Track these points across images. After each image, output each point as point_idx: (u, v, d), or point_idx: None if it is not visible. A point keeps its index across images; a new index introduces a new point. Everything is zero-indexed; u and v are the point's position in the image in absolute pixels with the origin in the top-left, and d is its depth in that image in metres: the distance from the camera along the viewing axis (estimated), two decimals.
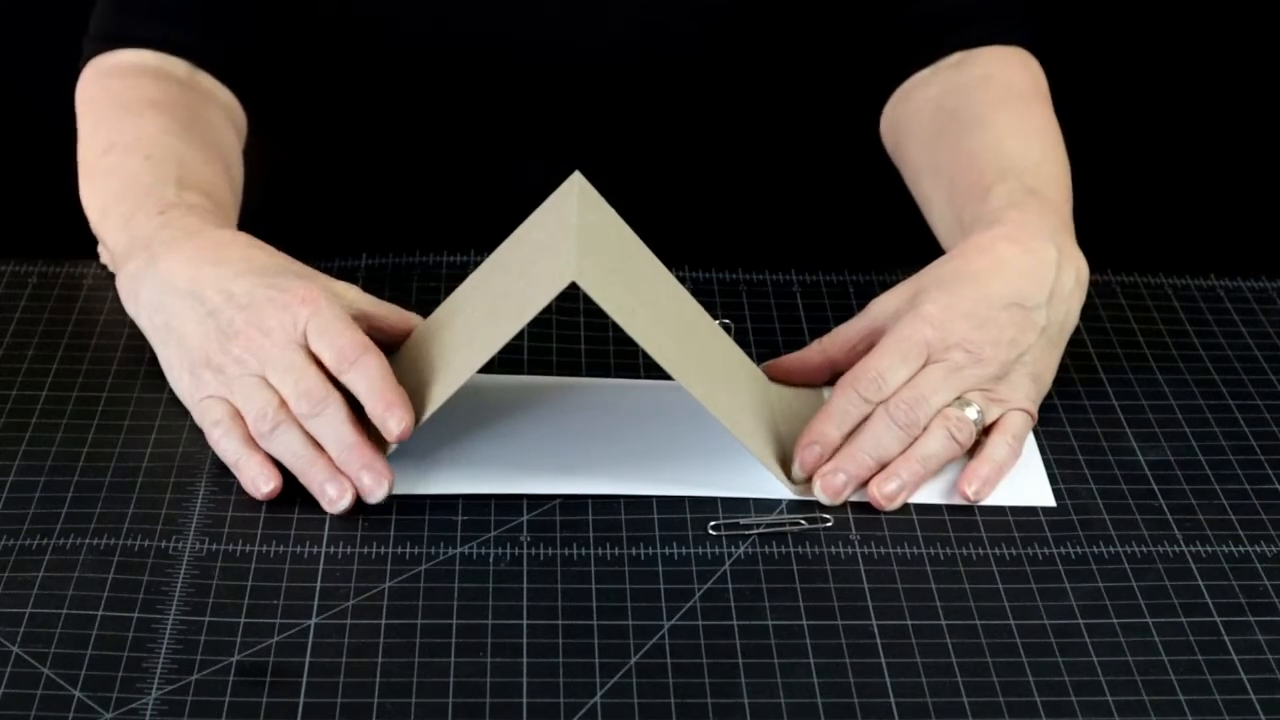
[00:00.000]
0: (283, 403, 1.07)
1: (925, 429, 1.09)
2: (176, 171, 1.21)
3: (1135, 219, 1.82)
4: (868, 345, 1.13)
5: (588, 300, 1.01)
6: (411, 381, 1.11)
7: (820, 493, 1.07)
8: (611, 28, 1.35)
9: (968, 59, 1.33)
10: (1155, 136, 1.81)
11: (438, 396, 1.06)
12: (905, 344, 1.10)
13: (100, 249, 1.27)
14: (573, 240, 1.04)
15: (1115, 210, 1.83)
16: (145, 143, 1.23)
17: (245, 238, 1.16)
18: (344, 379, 1.07)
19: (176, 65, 1.30)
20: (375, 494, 1.05)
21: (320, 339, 1.08)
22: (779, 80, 1.42)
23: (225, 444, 1.08)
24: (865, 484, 1.07)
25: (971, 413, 1.09)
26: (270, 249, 1.14)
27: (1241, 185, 1.83)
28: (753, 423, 1.09)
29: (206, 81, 1.31)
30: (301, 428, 1.07)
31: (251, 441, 1.08)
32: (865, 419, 1.09)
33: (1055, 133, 1.28)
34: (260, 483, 1.06)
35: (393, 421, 1.05)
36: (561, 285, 1.01)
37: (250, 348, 1.08)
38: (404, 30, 1.35)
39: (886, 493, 1.06)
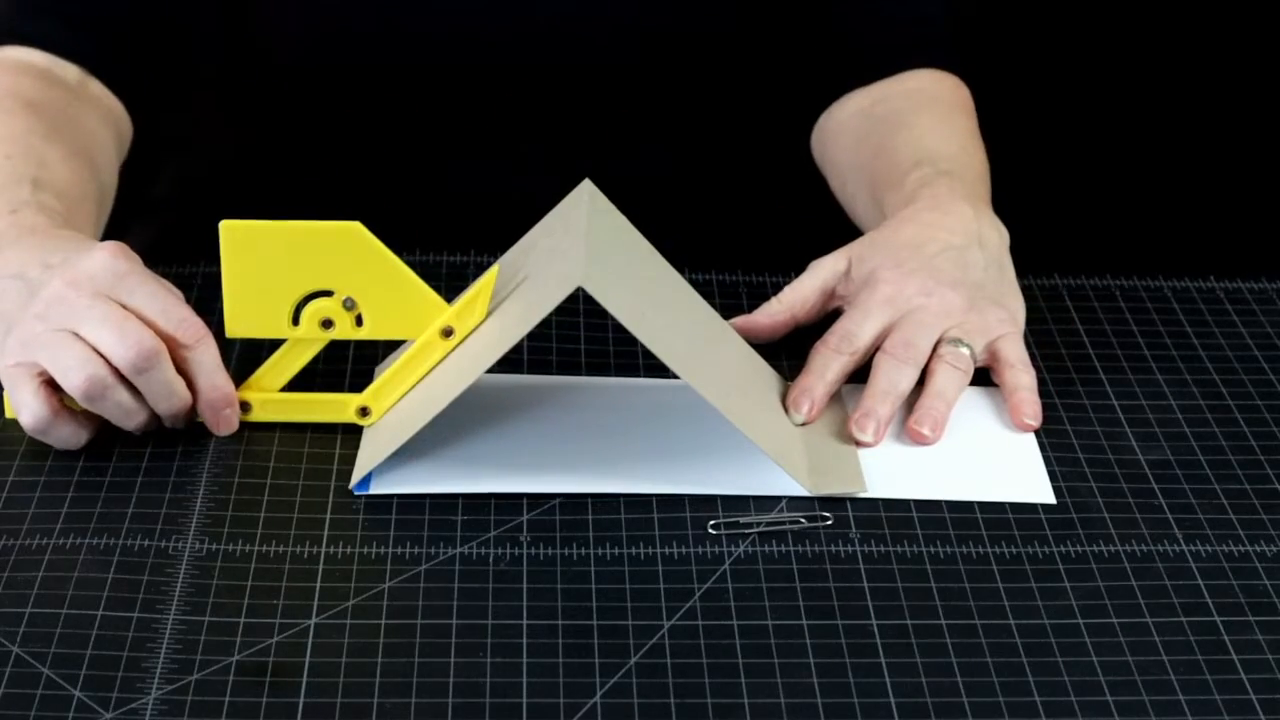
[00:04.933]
0: (103, 359, 1.06)
1: (929, 371, 1.14)
2: (34, 172, 1.19)
3: (1135, 221, 1.83)
4: (820, 301, 1.21)
5: (588, 300, 1.02)
6: (421, 384, 1.11)
7: (859, 433, 1.12)
8: (605, 28, 1.35)
9: (899, 78, 1.39)
10: (1154, 137, 1.81)
11: (444, 397, 1.06)
12: (868, 304, 1.16)
13: None
14: (581, 245, 1.05)
15: (1115, 211, 1.84)
16: (7, 141, 1.22)
17: (88, 239, 1.14)
18: (184, 353, 1.07)
19: (66, 68, 1.31)
20: (233, 426, 1.11)
21: (150, 302, 1.06)
22: (777, 83, 1.42)
23: (31, 411, 1.06)
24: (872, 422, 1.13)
25: (962, 348, 1.15)
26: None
27: (1241, 185, 1.83)
28: (767, 423, 1.10)
29: (95, 88, 1.32)
30: (128, 384, 1.07)
31: (59, 406, 1.07)
32: (851, 370, 1.15)
33: (976, 138, 1.35)
34: (76, 441, 1.08)
35: (225, 425, 1.10)
36: (569, 289, 1.01)
37: (56, 301, 1.06)
38: (400, 30, 1.36)
39: (924, 431, 1.12)
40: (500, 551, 1.03)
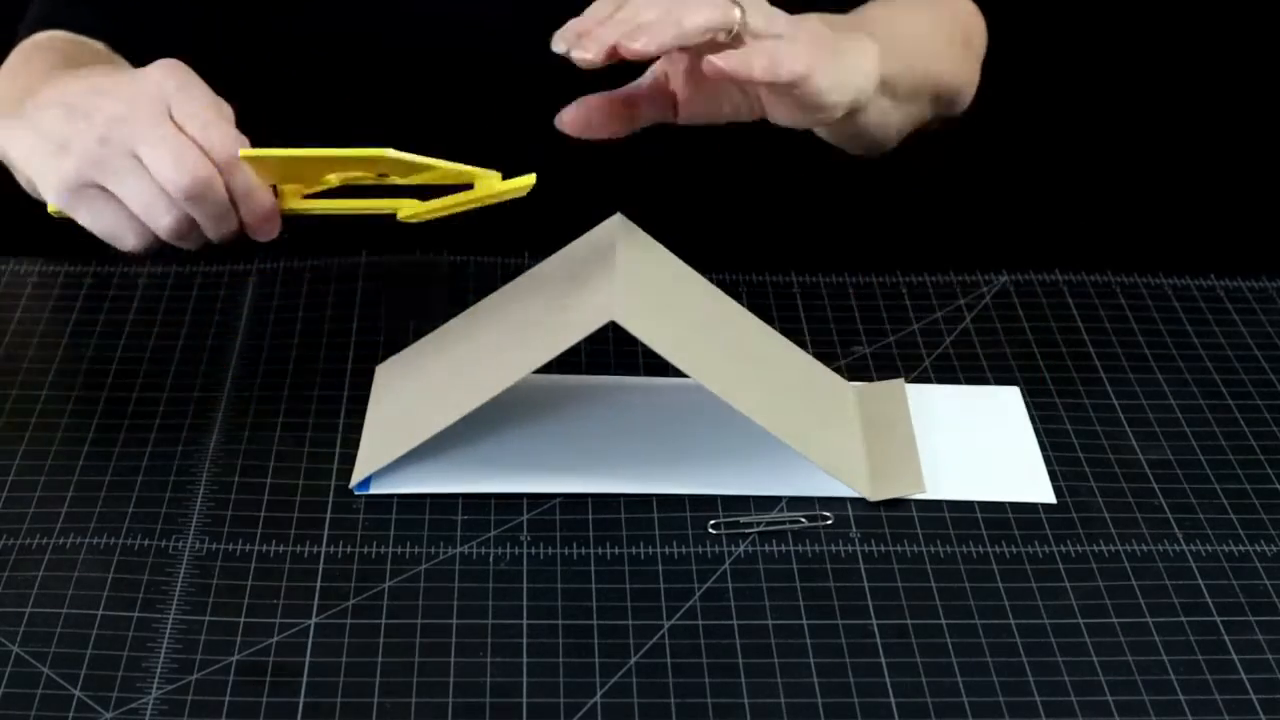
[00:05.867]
0: (162, 190, 1.06)
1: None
2: (72, 65, 1.21)
3: (1135, 219, 1.82)
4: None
5: None
6: (429, 390, 1.11)
7: (578, 52, 1.07)
8: None
9: None
10: (1155, 136, 1.81)
11: (454, 413, 1.06)
12: None
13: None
14: (613, 276, 1.05)
15: (1115, 210, 1.84)
16: (41, 70, 1.23)
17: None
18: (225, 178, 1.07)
19: (96, 45, 1.31)
20: (272, 235, 1.10)
21: (189, 119, 1.07)
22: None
23: (129, 239, 1.09)
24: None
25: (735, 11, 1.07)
26: None
27: (1241, 185, 1.83)
28: (823, 436, 1.09)
29: (124, 65, 1.32)
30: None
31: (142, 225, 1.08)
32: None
33: (937, 37, 1.30)
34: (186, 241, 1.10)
35: (264, 235, 1.09)
36: (600, 322, 1.02)
37: (118, 121, 1.07)
38: (400, 27, 1.36)
39: (630, 44, 1.05)
40: (500, 551, 1.03)
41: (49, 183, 1.10)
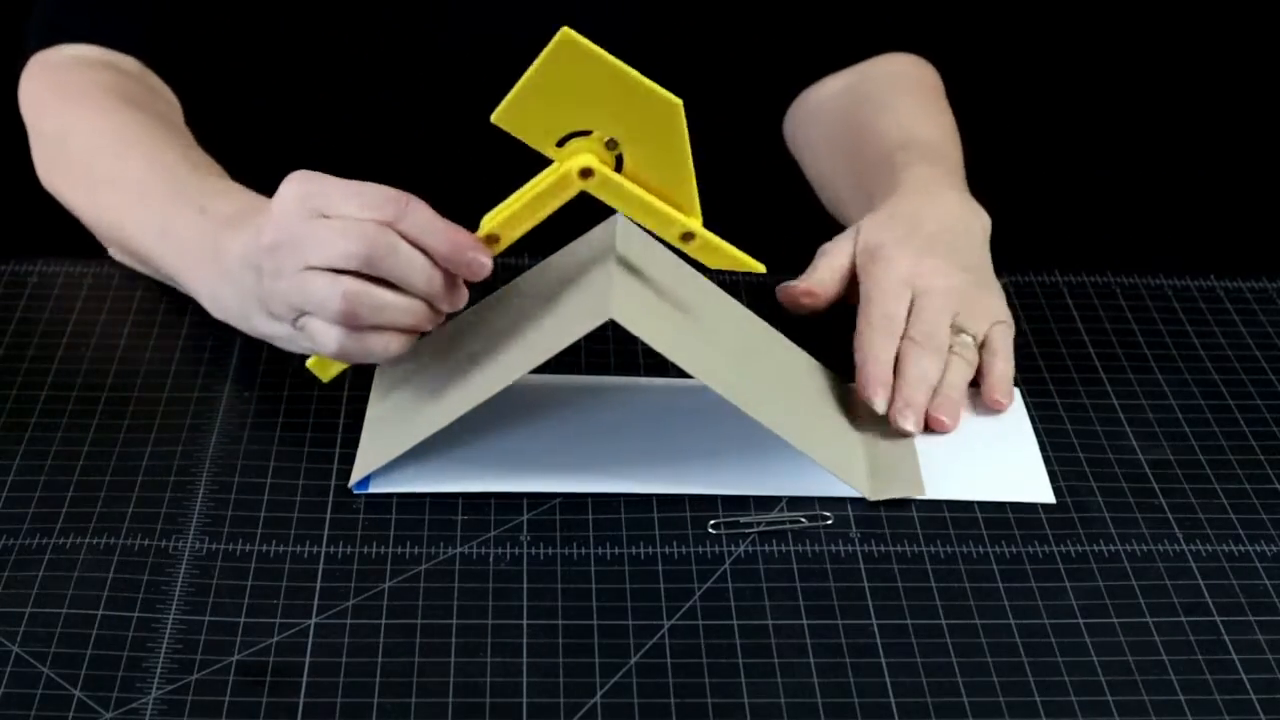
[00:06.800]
0: (345, 273, 1.04)
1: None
2: (192, 156, 1.20)
3: (1135, 219, 1.83)
4: (845, 281, 1.21)
5: None
6: (428, 390, 1.11)
7: (902, 423, 1.12)
8: (601, 22, 1.36)
9: (878, 60, 1.40)
10: (1154, 136, 1.81)
11: (452, 411, 1.06)
12: (887, 283, 1.16)
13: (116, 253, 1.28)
14: (610, 277, 1.05)
15: (1115, 210, 1.84)
16: (137, 141, 1.22)
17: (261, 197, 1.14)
18: (400, 229, 1.03)
19: (125, 61, 1.30)
20: (487, 268, 1.04)
21: (346, 201, 1.04)
22: (776, 80, 1.42)
23: (334, 340, 1.05)
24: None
25: (966, 337, 1.15)
26: None
27: (1241, 185, 1.83)
28: (823, 432, 1.10)
29: (154, 81, 1.32)
30: (379, 282, 1.04)
31: (352, 325, 1.05)
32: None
33: (954, 124, 1.36)
34: (396, 347, 1.06)
35: (476, 268, 1.04)
36: (598, 321, 1.02)
37: (273, 251, 1.05)
38: (398, 25, 1.35)
39: (944, 419, 1.13)
40: (500, 551, 1.03)
41: (281, 343, 1.11)
